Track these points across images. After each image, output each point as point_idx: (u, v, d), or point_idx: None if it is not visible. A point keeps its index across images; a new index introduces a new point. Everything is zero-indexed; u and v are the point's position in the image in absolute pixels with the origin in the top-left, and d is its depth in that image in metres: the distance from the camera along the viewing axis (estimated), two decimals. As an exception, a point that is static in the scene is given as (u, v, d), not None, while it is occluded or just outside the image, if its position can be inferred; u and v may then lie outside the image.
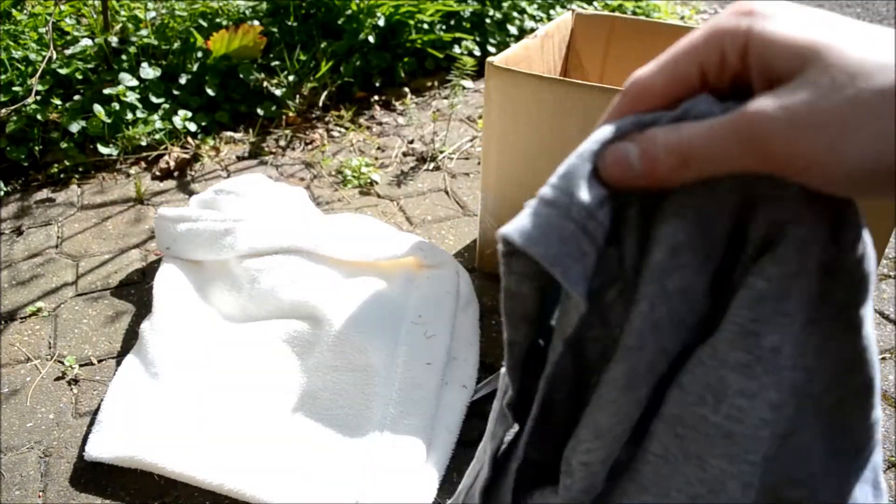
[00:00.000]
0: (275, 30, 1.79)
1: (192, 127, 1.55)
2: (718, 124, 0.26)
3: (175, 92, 1.60)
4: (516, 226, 0.28)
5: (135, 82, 1.56)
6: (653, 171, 0.27)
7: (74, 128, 1.46)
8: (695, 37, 0.28)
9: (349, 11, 1.83)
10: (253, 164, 1.50)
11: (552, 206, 0.28)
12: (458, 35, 1.92)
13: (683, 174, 0.27)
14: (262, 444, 0.83)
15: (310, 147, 1.56)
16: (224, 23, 1.77)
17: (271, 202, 1.19)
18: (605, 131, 0.29)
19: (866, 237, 0.29)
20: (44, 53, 1.58)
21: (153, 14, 1.79)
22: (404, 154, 1.54)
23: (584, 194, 0.28)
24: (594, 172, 0.28)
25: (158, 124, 1.52)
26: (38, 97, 1.49)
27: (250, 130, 1.60)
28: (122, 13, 1.79)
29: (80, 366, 0.98)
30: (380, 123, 1.68)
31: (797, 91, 0.25)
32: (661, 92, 0.29)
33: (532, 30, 2.04)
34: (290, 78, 1.70)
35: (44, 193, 1.39)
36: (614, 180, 0.28)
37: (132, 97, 1.53)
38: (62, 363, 0.98)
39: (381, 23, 1.84)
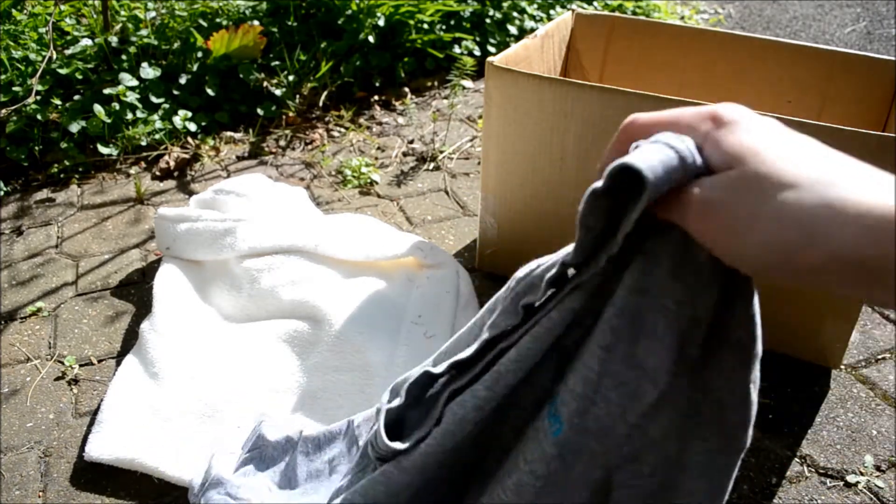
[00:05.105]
0: (275, 30, 1.79)
1: (192, 127, 1.55)
2: (681, 194, 0.36)
3: (175, 92, 1.61)
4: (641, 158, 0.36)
5: (135, 82, 1.56)
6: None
7: (74, 128, 1.46)
8: (685, 115, 0.37)
9: (349, 11, 1.83)
10: (253, 164, 1.50)
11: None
12: (458, 35, 1.92)
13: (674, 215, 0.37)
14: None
15: (310, 147, 1.56)
16: (224, 23, 1.77)
17: (271, 202, 1.19)
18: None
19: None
20: (44, 53, 1.58)
21: (153, 14, 1.79)
22: (404, 154, 1.54)
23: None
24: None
25: (158, 124, 1.52)
26: (38, 97, 1.49)
27: (250, 130, 1.60)
28: (122, 13, 1.79)
29: (80, 366, 0.98)
30: (380, 123, 1.68)
31: (718, 182, 0.34)
32: (648, 133, 0.38)
33: (532, 30, 2.04)
34: (290, 78, 1.70)
35: (44, 193, 1.39)
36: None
37: (132, 97, 1.53)
38: (62, 363, 0.98)
39: (381, 23, 1.84)
